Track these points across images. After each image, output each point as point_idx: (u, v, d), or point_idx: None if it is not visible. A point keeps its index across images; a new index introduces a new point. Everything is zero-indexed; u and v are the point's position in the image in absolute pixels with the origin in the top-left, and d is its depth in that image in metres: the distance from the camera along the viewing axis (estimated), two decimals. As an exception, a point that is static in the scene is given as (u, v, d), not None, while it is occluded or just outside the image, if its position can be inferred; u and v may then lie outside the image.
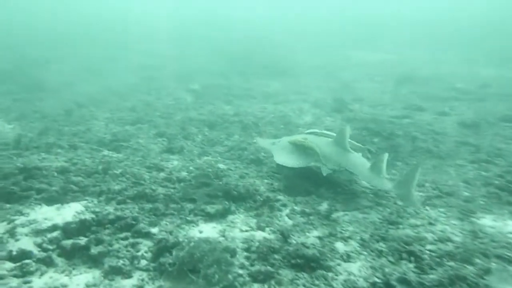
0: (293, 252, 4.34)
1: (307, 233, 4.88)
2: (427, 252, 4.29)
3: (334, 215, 5.36)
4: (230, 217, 5.36)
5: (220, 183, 6.22)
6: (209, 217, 5.24)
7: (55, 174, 5.70)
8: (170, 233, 4.67)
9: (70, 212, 4.73)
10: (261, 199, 5.83)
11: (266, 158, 7.75)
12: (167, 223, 4.92)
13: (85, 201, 5.13)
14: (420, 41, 24.69)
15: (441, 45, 23.33)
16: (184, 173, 6.48)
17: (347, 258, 4.34)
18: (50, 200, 4.99)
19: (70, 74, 15.71)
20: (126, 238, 4.51)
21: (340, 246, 4.58)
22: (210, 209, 5.39)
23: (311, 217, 5.32)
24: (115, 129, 8.76)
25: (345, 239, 4.72)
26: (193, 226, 4.97)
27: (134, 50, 21.86)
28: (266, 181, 6.59)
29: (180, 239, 4.52)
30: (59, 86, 13.89)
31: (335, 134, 6.41)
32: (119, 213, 4.86)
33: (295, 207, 5.64)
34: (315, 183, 6.42)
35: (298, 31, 29.68)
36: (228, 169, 6.97)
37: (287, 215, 5.42)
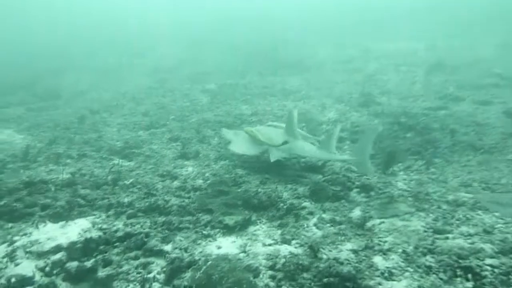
0: (325, 270, 3.83)
1: (340, 246, 4.34)
2: (488, 268, 3.66)
3: (369, 224, 4.79)
4: (251, 229, 4.90)
5: (239, 190, 5.78)
6: (228, 230, 4.79)
7: (62, 187, 5.41)
8: (185, 250, 4.25)
9: (75, 230, 4.40)
10: (285, 207, 5.35)
11: (287, 160, 7.24)
12: (182, 238, 4.50)
13: (92, 217, 4.80)
14: (445, 26, 23.40)
15: (469, 28, 22.00)
16: (199, 181, 6.07)
17: (389, 275, 3.77)
18: (55, 217, 4.68)
19: (85, 82, 15.76)
20: (136, 258, 4.12)
21: (379, 261, 4.01)
22: (229, 220, 4.94)
23: (343, 227, 4.78)
24: (128, 135, 8.48)
25: (384, 253, 4.14)
26: (210, 241, 4.53)
27: (149, 54, 21.82)
28: (289, 186, 6.10)
29: (196, 257, 4.10)
30: (75, 94, 13.93)
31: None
32: (129, 229, 4.49)
33: (324, 215, 5.11)
34: (344, 187, 5.87)
35: (312, 25, 28.78)
36: (247, 174, 6.51)
37: (315, 225, 4.90)
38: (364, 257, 4.08)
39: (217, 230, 4.78)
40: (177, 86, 13.88)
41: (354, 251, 4.20)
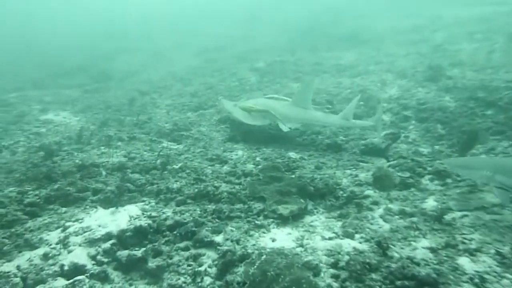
0: (398, 271, 3.33)
1: (414, 243, 3.79)
2: None
3: (448, 217, 4.15)
4: (308, 219, 4.50)
5: (293, 176, 5.37)
6: (282, 220, 4.44)
7: (112, 171, 5.38)
8: (237, 242, 3.96)
9: (125, 216, 4.30)
10: (345, 195, 4.87)
11: (345, 142, 6.67)
12: (233, 228, 4.22)
13: (141, 203, 4.68)
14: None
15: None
16: (250, 165, 5.74)
17: (481, 282, 3.18)
18: (106, 202, 4.64)
19: (137, 63, 16.09)
20: (186, 249, 3.92)
21: (466, 263, 3.42)
22: (283, 209, 4.58)
23: (415, 219, 4.20)
24: (176, 117, 8.38)
25: (471, 253, 3.53)
26: (264, 233, 4.21)
27: (200, 35, 21.70)
28: (348, 171, 5.57)
29: (249, 250, 3.80)
30: (126, 75, 14.27)
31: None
32: (178, 217, 4.29)
33: (391, 206, 4.55)
34: (413, 173, 5.21)
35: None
36: (301, 158, 6.07)
37: (381, 217, 4.37)
38: (445, 258, 3.51)
39: (271, 220, 4.44)
40: (225, 65, 13.60)
41: (433, 250, 3.63)
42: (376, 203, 4.65)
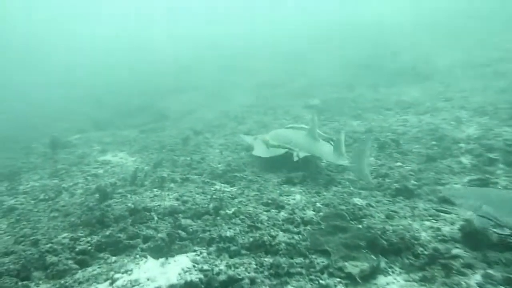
0: None
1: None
2: None
3: None
4: (382, 281, 3.89)
5: (360, 226, 4.80)
6: (352, 281, 3.87)
7: (164, 216, 5.21)
8: (300, 307, 3.45)
9: (175, 269, 4.01)
10: (426, 252, 4.20)
11: (418, 187, 5.94)
12: (294, 289, 3.72)
13: (193, 253, 4.38)
14: None
15: None
16: (310, 212, 5.27)
17: None
18: (156, 251, 4.40)
19: (192, 102, 16.60)
20: (241, 312, 3.47)
21: None
22: (352, 267, 4.02)
23: (526, 292, 3.38)
24: (230, 157, 8.23)
25: None
26: (331, 296, 3.65)
27: (253, 71, 22.16)
28: (427, 223, 4.87)
29: (315, 320, 3.25)
30: (181, 115, 14.70)
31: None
32: (231, 272, 3.90)
33: (490, 271, 3.78)
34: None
35: (436, 28, 25.56)
36: (368, 205, 5.48)
37: (479, 286, 3.61)
38: None
39: (337, 279, 3.89)
40: (279, 103, 13.50)
41: None
42: (469, 266, 3.90)
